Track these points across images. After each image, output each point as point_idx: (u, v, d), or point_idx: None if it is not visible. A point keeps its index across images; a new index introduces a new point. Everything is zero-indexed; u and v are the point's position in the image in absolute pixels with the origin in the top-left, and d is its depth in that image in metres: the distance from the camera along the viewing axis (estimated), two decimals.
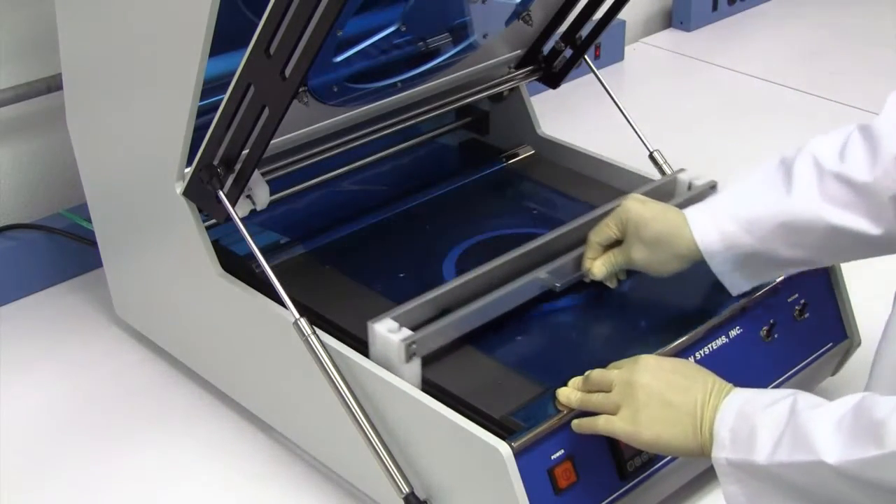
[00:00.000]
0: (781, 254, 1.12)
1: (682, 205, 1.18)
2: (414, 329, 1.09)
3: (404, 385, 1.06)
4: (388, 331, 1.08)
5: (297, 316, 1.10)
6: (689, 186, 1.33)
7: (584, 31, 1.51)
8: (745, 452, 0.93)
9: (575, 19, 1.50)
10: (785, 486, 0.91)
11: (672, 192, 1.34)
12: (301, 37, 0.97)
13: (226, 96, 1.07)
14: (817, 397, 0.93)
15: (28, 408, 1.35)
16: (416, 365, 1.08)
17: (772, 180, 1.12)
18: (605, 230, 1.19)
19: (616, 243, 1.20)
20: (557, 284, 1.20)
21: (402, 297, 1.26)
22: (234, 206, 1.13)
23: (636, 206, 1.17)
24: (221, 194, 1.13)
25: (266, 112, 1.05)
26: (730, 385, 0.99)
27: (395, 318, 1.10)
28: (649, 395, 0.99)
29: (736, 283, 1.17)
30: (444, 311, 1.14)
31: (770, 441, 0.91)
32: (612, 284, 1.23)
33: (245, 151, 1.11)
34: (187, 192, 1.19)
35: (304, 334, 1.09)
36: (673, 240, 1.14)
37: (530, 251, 1.23)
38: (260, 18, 0.99)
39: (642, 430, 0.99)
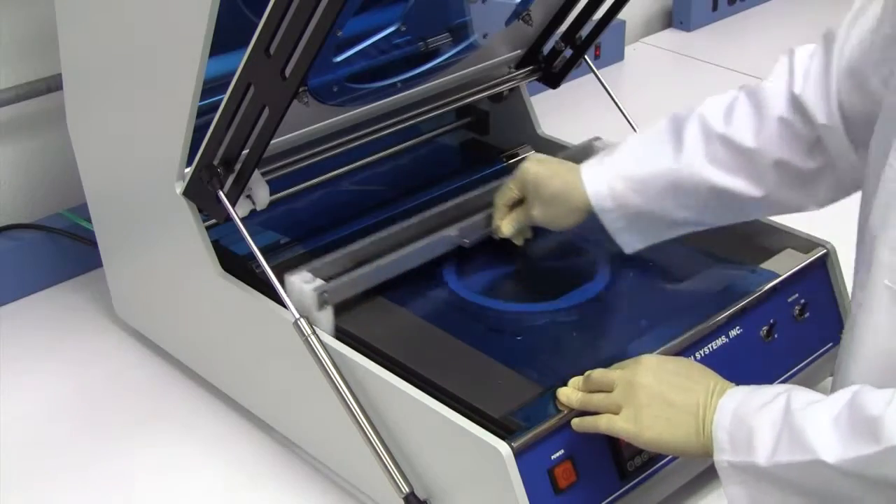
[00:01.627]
0: (671, 214, 1.16)
1: (578, 159, 1.24)
2: (327, 280, 1.17)
3: (404, 385, 1.07)
4: (302, 281, 1.16)
5: (297, 315, 1.10)
6: None
7: (584, 32, 1.51)
8: (745, 454, 0.92)
9: (574, 19, 1.50)
10: (786, 486, 0.90)
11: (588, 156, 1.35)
12: (301, 37, 0.97)
13: (226, 96, 1.07)
14: (811, 392, 0.93)
15: (28, 408, 1.35)
16: (328, 313, 1.16)
17: (662, 140, 1.16)
18: (507, 192, 1.28)
19: (519, 203, 1.28)
20: (466, 241, 1.30)
21: (402, 298, 1.27)
22: (233, 206, 1.13)
23: (534, 167, 1.25)
24: (221, 194, 1.13)
25: (266, 112, 1.05)
26: (732, 385, 0.99)
27: (310, 270, 1.18)
28: (651, 395, 0.99)
29: (628, 241, 1.21)
30: (358, 265, 1.24)
31: (768, 442, 0.90)
32: (518, 242, 1.32)
33: (245, 151, 1.11)
34: (187, 192, 1.19)
35: (304, 334, 1.09)
36: (569, 196, 1.20)
37: (444, 211, 1.34)
38: (260, 18, 0.99)
39: (644, 431, 0.99)
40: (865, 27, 1.03)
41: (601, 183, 1.18)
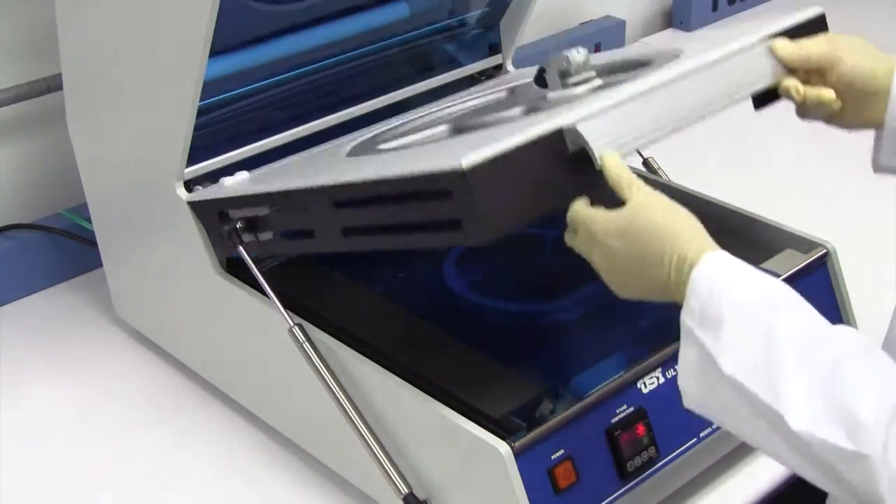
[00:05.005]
0: None
1: None
2: None
3: (404, 385, 1.07)
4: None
5: (292, 324, 1.10)
6: None
7: None
8: (711, 342, 0.87)
9: None
10: (737, 394, 0.86)
11: None
12: None
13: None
14: (798, 312, 0.89)
15: (28, 408, 1.35)
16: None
17: None
18: (802, 49, 1.10)
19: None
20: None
21: (403, 299, 1.27)
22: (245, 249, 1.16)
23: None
24: (241, 248, 1.15)
25: (309, 240, 1.10)
26: (713, 243, 0.93)
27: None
28: (608, 273, 0.96)
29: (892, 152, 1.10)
30: None
31: (737, 352, 0.86)
32: (825, 109, 1.11)
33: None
34: (197, 213, 1.21)
35: (299, 341, 1.10)
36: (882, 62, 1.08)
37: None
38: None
39: (612, 287, 0.97)
40: None
41: None
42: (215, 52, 1.09)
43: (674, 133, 1.01)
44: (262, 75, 1.34)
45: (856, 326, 1.29)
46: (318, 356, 1.09)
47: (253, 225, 1.15)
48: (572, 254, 0.98)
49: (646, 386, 1.10)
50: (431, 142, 1.20)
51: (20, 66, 1.52)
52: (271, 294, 1.12)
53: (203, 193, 1.22)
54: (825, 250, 1.27)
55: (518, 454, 0.99)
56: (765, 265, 1.26)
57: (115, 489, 1.23)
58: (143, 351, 1.44)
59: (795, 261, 1.25)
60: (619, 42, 2.23)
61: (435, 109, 1.37)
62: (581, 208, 0.96)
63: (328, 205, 1.06)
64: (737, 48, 1.10)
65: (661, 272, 0.91)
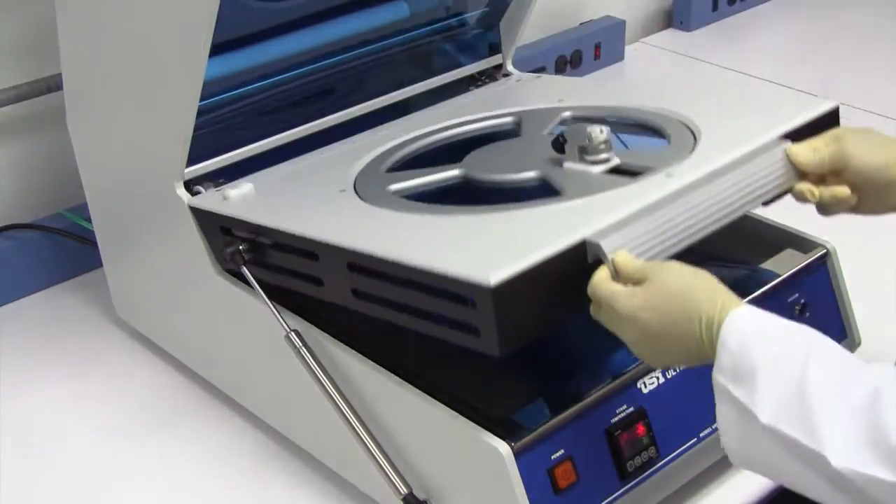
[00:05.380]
0: None
1: None
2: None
3: (403, 386, 1.06)
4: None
5: (288, 329, 1.11)
6: None
7: None
8: (746, 397, 0.88)
9: None
10: (779, 444, 0.87)
11: None
12: None
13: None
14: (830, 352, 0.89)
15: (28, 408, 1.35)
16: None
17: None
18: (815, 153, 1.10)
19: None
20: None
21: None
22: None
23: (853, 132, 1.11)
24: (245, 269, 1.15)
25: (316, 286, 1.10)
26: (736, 298, 0.94)
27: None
28: (638, 346, 0.97)
29: None
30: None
31: (774, 403, 0.87)
32: (835, 210, 1.11)
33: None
34: (199, 221, 1.20)
35: (295, 347, 1.10)
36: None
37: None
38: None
39: (645, 360, 0.99)
40: None
41: None
42: (215, 51, 1.09)
43: (689, 243, 1.04)
44: (262, 75, 1.34)
45: (856, 326, 1.29)
46: (315, 361, 1.10)
47: (257, 250, 1.16)
48: None
49: (646, 386, 1.10)
50: (446, 189, 1.20)
51: (20, 66, 1.52)
52: (268, 303, 1.13)
53: (206, 202, 1.21)
54: (825, 250, 1.27)
55: (518, 454, 0.99)
56: (765, 265, 1.26)
57: (115, 489, 1.23)
58: (143, 351, 1.44)
59: (795, 261, 1.25)
60: (619, 42, 2.23)
61: (439, 127, 1.37)
62: (602, 285, 0.97)
63: (341, 264, 1.06)
64: (752, 151, 1.11)
65: (693, 335, 0.93)
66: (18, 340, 1.47)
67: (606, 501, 1.06)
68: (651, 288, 0.95)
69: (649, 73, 2.23)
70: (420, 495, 1.05)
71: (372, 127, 1.39)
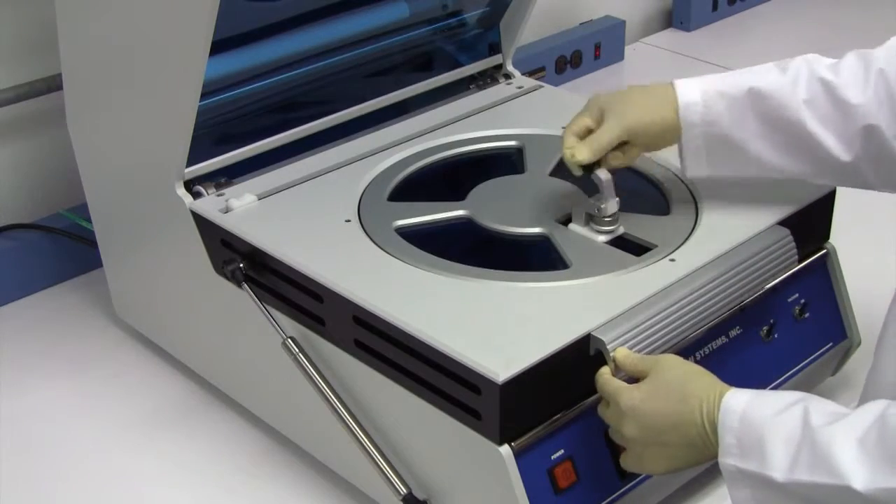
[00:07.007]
0: (750, 144, 1.13)
1: None
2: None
3: (403, 386, 1.06)
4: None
5: (284, 336, 1.11)
6: None
7: None
8: (758, 465, 0.90)
9: None
10: (802, 501, 0.88)
11: None
12: None
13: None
14: (828, 403, 0.90)
15: (28, 408, 1.35)
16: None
17: (767, 68, 1.15)
18: (579, 120, 1.16)
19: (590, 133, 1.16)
20: None
21: None
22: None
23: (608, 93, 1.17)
24: (245, 286, 1.16)
25: (318, 324, 1.12)
26: (728, 387, 0.97)
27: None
28: (644, 444, 0.98)
29: (695, 166, 1.16)
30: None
31: (786, 457, 0.88)
32: (576, 173, 1.15)
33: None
34: (200, 227, 1.21)
35: (292, 353, 1.11)
36: (657, 104, 1.14)
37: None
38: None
39: (650, 469, 1.00)
40: None
41: (694, 92, 1.14)
42: (215, 51, 1.09)
43: (685, 341, 1.08)
44: (262, 76, 1.34)
45: (855, 326, 1.29)
46: (312, 367, 1.10)
47: (258, 271, 1.16)
48: None
49: None
50: (450, 230, 1.21)
51: (20, 66, 1.52)
52: (265, 311, 1.14)
53: (208, 208, 1.21)
54: (825, 250, 1.27)
55: (518, 454, 0.99)
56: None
57: (114, 488, 1.23)
58: (143, 351, 1.44)
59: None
60: (618, 42, 2.23)
61: (440, 144, 1.37)
62: (608, 382, 1.00)
63: (346, 314, 1.07)
64: (752, 237, 1.16)
65: (694, 424, 0.95)
66: (18, 340, 1.47)
67: (606, 501, 1.06)
68: (652, 381, 0.98)
69: (649, 74, 2.23)
70: (420, 495, 1.05)
71: (372, 125, 1.40)
